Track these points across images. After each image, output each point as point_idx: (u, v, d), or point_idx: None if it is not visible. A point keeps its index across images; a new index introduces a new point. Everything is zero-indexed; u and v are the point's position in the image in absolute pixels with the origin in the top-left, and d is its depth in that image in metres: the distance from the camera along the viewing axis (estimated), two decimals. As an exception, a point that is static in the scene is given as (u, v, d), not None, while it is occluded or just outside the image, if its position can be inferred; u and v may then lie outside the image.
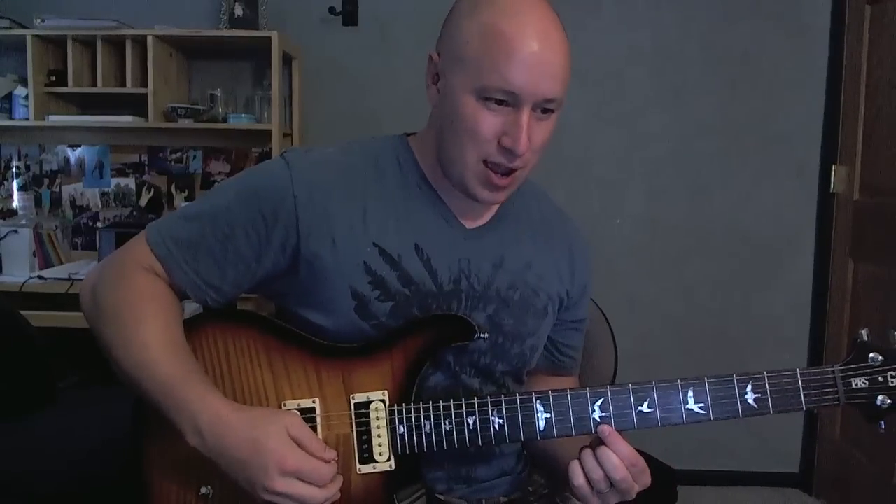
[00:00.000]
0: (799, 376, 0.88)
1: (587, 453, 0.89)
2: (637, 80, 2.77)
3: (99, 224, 2.88)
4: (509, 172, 0.93)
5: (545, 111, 0.91)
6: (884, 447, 2.31)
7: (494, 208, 1.05)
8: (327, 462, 0.86)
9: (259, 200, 0.95)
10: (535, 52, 0.87)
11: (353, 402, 0.93)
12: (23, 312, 1.92)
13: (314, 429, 0.92)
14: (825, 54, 2.71)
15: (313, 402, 0.94)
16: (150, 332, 0.90)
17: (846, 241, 2.62)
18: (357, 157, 1.02)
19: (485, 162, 0.92)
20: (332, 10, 2.74)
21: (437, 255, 0.99)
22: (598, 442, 0.90)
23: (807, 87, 2.72)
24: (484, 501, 1.05)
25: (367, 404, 0.93)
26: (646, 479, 0.90)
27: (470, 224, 1.03)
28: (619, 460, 0.87)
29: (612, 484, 0.88)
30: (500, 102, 0.89)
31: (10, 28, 2.60)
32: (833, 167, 2.68)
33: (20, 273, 2.57)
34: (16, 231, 2.63)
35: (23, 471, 1.54)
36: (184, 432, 0.85)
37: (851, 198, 2.60)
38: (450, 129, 0.93)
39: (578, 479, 0.89)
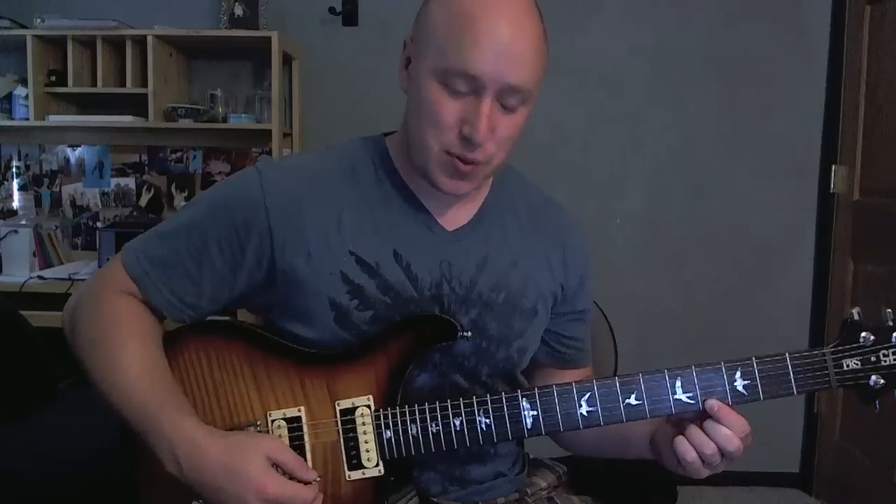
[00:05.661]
0: (789, 360, 0.86)
1: (693, 430, 0.87)
2: (637, 80, 2.77)
3: (99, 224, 2.89)
4: (471, 162, 0.89)
5: (511, 104, 0.87)
6: (884, 447, 2.31)
7: (475, 207, 1.01)
8: (309, 483, 0.86)
9: (230, 212, 0.93)
10: (500, 35, 0.83)
11: (338, 408, 0.92)
12: (23, 312, 1.92)
13: (301, 437, 0.92)
14: (825, 54, 2.70)
15: (299, 410, 0.92)
16: (126, 358, 0.89)
17: (846, 241, 2.61)
18: (332, 163, 0.99)
19: (447, 152, 0.89)
20: (332, 10, 2.74)
21: (416, 260, 0.97)
22: (702, 416, 0.87)
23: (807, 87, 2.72)
24: (480, 503, 1.03)
25: (352, 410, 0.92)
26: (749, 440, 0.88)
27: (450, 225, 0.99)
28: (731, 432, 0.85)
29: (722, 455, 0.86)
30: (461, 91, 0.85)
31: (10, 28, 2.60)
32: (833, 167, 2.68)
33: (20, 273, 2.58)
34: (16, 231, 2.64)
35: (23, 471, 1.54)
36: (162, 459, 0.85)
37: (851, 198, 2.60)
38: (415, 114, 0.90)
39: (690, 454, 0.87)
